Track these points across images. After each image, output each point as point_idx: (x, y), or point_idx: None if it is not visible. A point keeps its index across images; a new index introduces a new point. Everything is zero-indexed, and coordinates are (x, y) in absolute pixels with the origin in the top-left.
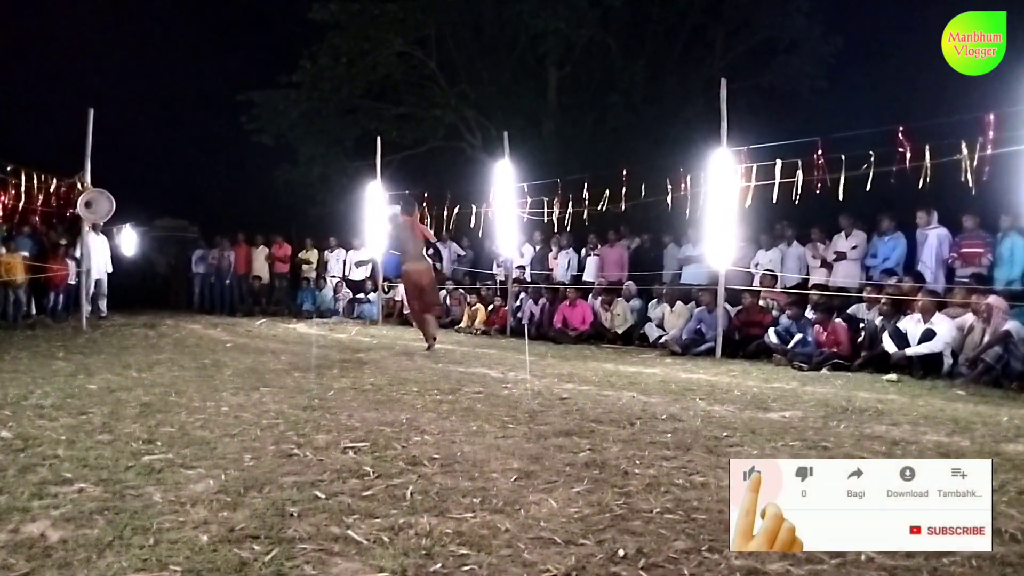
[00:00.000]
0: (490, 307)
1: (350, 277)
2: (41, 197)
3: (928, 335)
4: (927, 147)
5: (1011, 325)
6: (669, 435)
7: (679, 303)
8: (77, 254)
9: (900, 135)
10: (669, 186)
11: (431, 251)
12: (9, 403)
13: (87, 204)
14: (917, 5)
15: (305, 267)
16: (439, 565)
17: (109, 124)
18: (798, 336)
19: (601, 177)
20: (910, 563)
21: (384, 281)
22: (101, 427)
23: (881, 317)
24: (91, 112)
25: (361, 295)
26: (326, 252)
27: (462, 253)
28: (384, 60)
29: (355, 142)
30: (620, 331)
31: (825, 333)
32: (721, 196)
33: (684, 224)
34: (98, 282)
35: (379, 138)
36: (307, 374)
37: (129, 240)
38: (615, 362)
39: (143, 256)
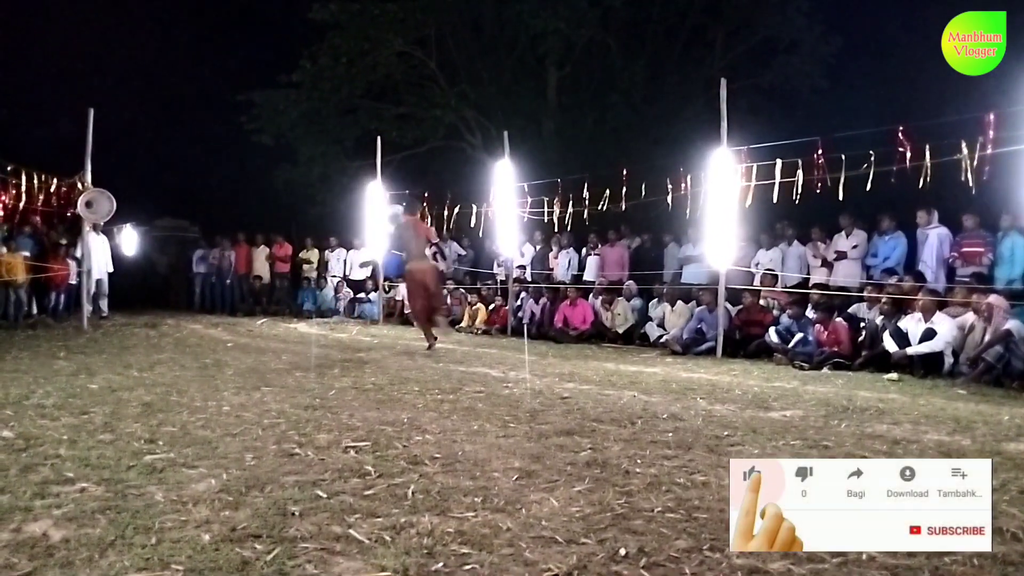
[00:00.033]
0: (491, 307)
1: (351, 277)
2: (42, 197)
3: (929, 334)
4: (927, 147)
5: (1012, 324)
6: (670, 434)
7: (680, 302)
8: (78, 254)
9: (900, 135)
10: (669, 186)
11: (434, 250)
12: (11, 403)
13: (88, 204)
14: (917, 5)
15: (306, 267)
16: (441, 564)
17: (109, 124)
18: (799, 335)
19: (601, 177)
20: (911, 562)
21: (385, 281)
22: (103, 427)
23: (882, 316)
24: (91, 112)
25: (362, 295)
26: (327, 252)
27: (463, 253)
28: (384, 60)
29: (355, 142)
30: (621, 330)
31: (826, 332)
32: (721, 196)
33: (685, 224)
34: (99, 282)
35: (379, 138)
36: (308, 373)
37: (130, 240)
38: (616, 361)
39: (144, 256)
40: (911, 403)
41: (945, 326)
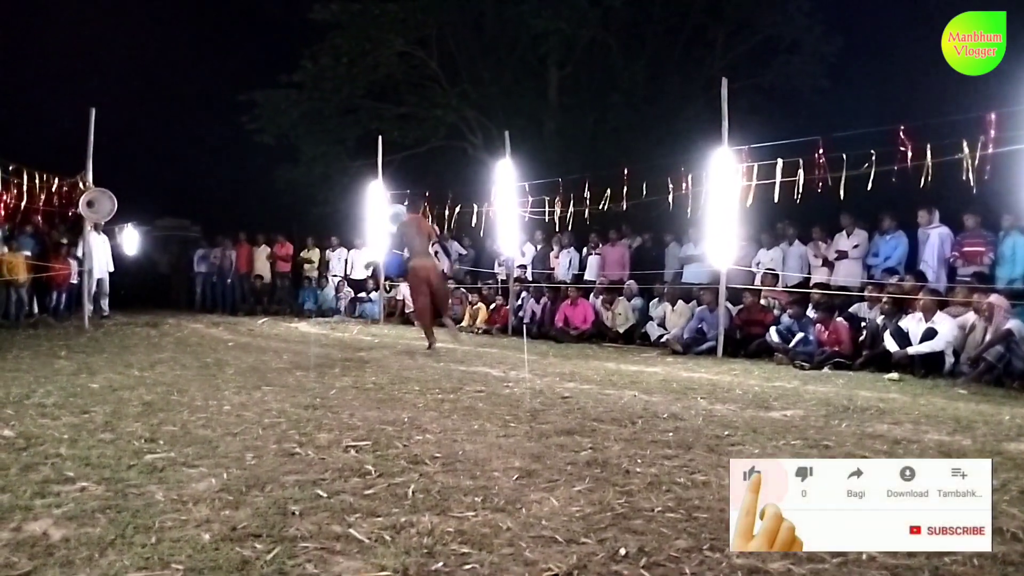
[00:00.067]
0: (492, 306)
1: (352, 276)
2: (43, 197)
3: (930, 334)
4: (928, 146)
5: (1013, 324)
6: (671, 434)
7: (680, 302)
8: (79, 253)
9: (901, 134)
10: (670, 185)
11: (435, 248)
12: (11, 402)
13: (89, 203)
14: (918, 5)
15: (307, 266)
16: (441, 564)
17: (111, 124)
18: (799, 335)
19: (602, 176)
20: (911, 562)
21: (386, 280)
22: (103, 426)
23: (883, 316)
24: (93, 112)
25: (363, 294)
26: (328, 251)
27: (463, 252)
28: (385, 60)
29: (356, 142)
30: (621, 330)
31: (827, 332)
32: (722, 195)
33: (685, 223)
34: (100, 281)
35: (380, 138)
36: (309, 373)
37: (131, 239)
38: (616, 361)
39: (145, 255)
40: (912, 403)
41: (946, 326)
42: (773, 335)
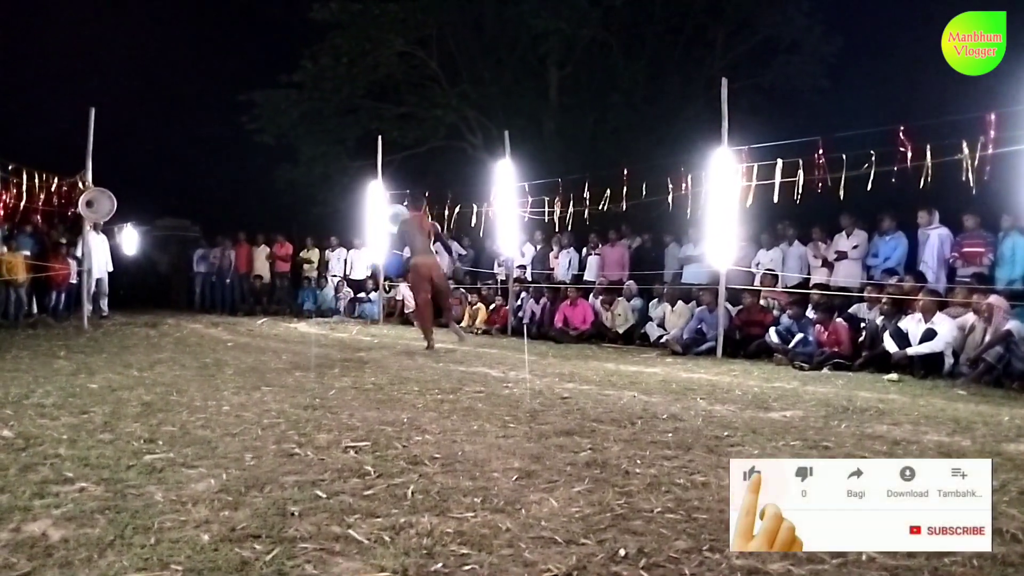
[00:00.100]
0: (491, 306)
1: (351, 276)
2: (42, 196)
3: (929, 335)
4: (928, 147)
5: (1012, 325)
6: (670, 435)
7: (680, 303)
8: (78, 253)
9: (901, 134)
10: (670, 185)
11: (437, 245)
12: (10, 402)
13: (88, 203)
14: (918, 5)
15: (306, 266)
16: (440, 564)
17: (110, 123)
18: (799, 336)
19: (602, 176)
20: (911, 563)
21: (385, 281)
22: (102, 426)
23: (882, 317)
24: (92, 111)
25: (362, 294)
26: (327, 251)
27: (463, 252)
28: (385, 60)
29: (356, 142)
30: (621, 331)
31: (826, 333)
32: (722, 195)
33: (685, 223)
34: (99, 281)
35: (380, 138)
36: (308, 373)
37: (130, 239)
38: (616, 361)
39: (144, 255)
40: (911, 403)
41: (945, 326)
42: (773, 336)
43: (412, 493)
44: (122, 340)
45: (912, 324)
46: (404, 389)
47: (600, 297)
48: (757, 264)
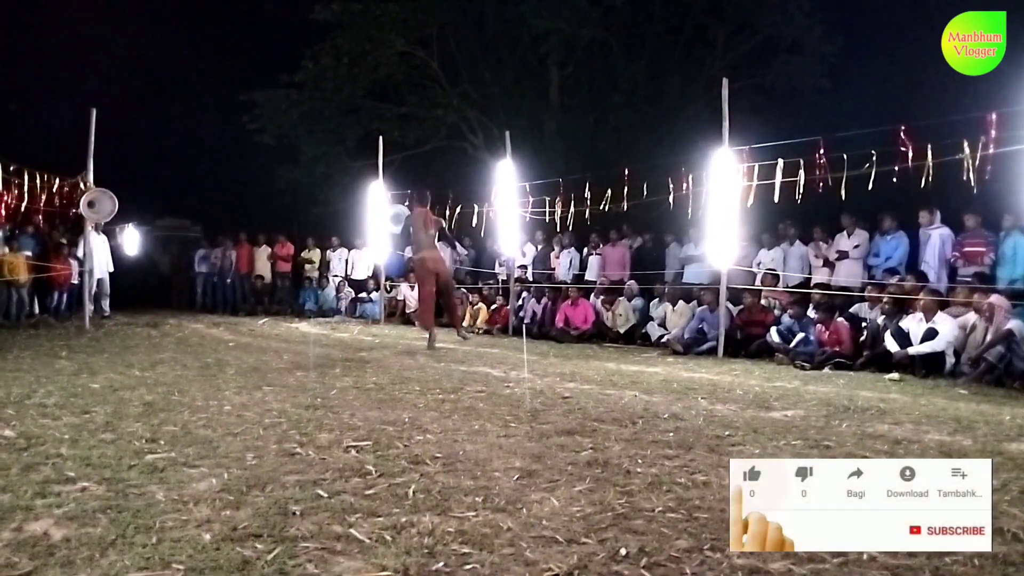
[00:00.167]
0: (492, 306)
1: (352, 276)
2: (44, 197)
3: (930, 334)
4: (929, 146)
5: (1013, 324)
6: (671, 434)
7: (681, 302)
8: (80, 253)
9: (902, 134)
10: (671, 185)
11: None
12: (12, 402)
13: (90, 203)
14: (918, 5)
15: (307, 266)
16: (441, 564)
17: (111, 124)
18: (800, 335)
19: (603, 176)
20: (912, 562)
21: (387, 281)
22: (104, 426)
23: (883, 316)
24: (93, 112)
25: (363, 294)
26: (328, 251)
27: (464, 252)
28: (386, 60)
29: (357, 142)
30: (622, 330)
31: (827, 332)
32: (723, 195)
33: (686, 223)
34: (100, 281)
35: (381, 138)
36: (309, 373)
37: (132, 239)
38: (617, 361)
39: (146, 255)
40: (912, 403)
41: (947, 326)
42: (774, 335)
43: (413, 492)
44: (124, 340)
45: (913, 324)
46: (405, 389)
47: (601, 297)
48: (758, 264)
